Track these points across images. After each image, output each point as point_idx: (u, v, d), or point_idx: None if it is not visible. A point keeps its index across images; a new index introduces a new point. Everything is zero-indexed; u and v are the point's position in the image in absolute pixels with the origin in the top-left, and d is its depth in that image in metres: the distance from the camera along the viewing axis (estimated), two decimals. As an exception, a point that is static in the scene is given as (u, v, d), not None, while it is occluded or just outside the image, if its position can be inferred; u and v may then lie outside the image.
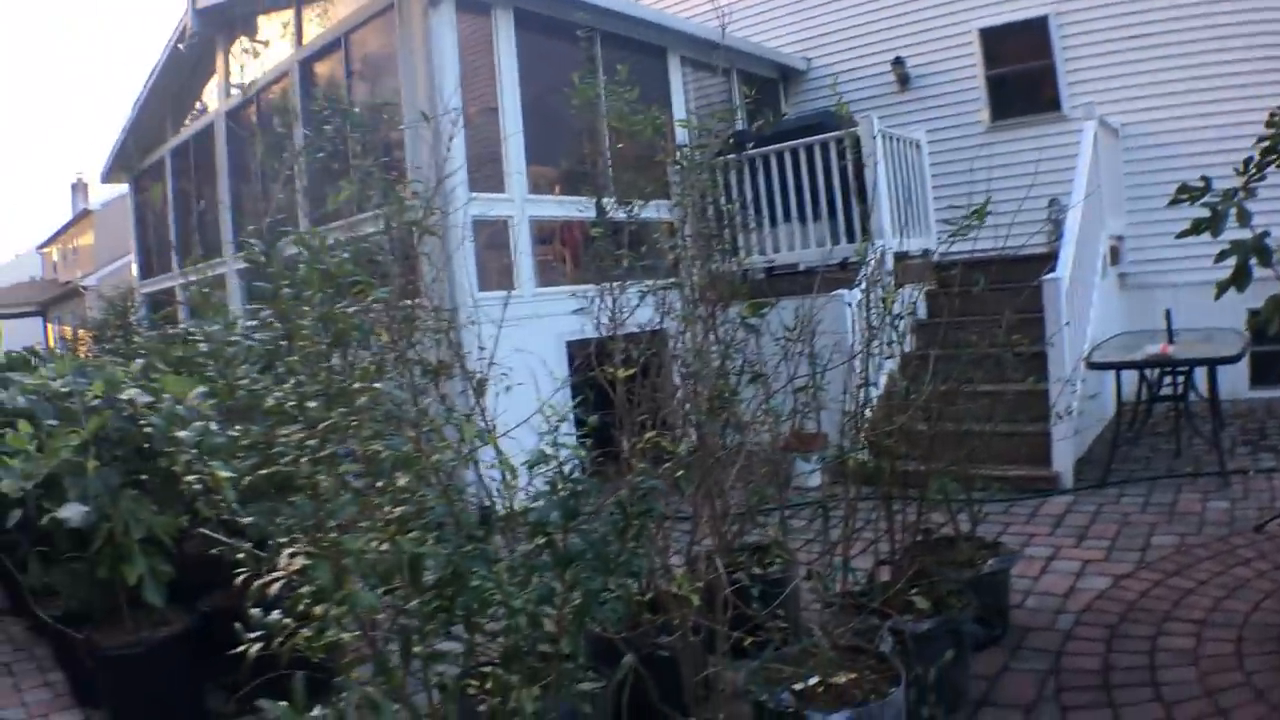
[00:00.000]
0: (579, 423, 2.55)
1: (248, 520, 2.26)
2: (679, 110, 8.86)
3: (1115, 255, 8.63)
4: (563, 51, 7.39)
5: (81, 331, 14.65)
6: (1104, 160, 8.01)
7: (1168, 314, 6.65)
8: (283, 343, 2.12)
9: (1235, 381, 8.11)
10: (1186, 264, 8.07)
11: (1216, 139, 8.05)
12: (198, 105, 11.37)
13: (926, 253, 8.55)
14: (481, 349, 3.53)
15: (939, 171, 8.86)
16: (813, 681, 2.87)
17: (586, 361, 3.84)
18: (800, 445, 3.66)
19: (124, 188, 14.58)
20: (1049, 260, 6.53)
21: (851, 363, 3.66)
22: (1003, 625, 3.95)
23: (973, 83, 9.99)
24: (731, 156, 6.48)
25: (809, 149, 8.14)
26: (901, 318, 3.76)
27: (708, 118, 4.42)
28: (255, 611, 2.10)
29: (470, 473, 3.25)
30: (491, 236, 7.15)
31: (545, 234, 7.75)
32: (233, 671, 3.11)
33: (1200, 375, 6.59)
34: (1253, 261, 3.07)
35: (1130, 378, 6.81)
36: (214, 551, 2.72)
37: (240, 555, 2.24)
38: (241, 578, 2.22)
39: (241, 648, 2.16)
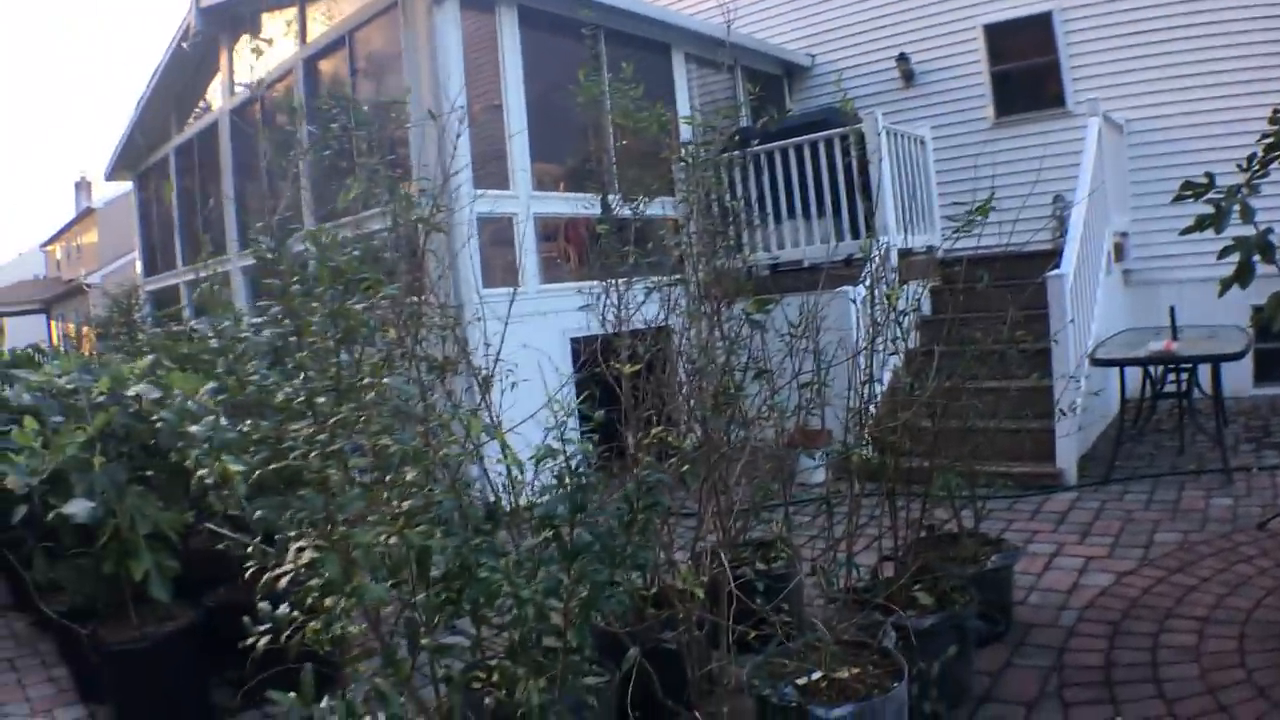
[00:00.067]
0: (584, 418, 2.55)
1: (255, 516, 2.28)
2: (683, 107, 8.86)
3: (1120, 252, 8.63)
4: (567, 48, 7.38)
5: (85, 329, 14.69)
6: (1108, 156, 8.01)
7: (1172, 311, 6.66)
8: (292, 338, 2.13)
9: (1239, 379, 8.11)
10: (1191, 261, 8.06)
11: (1221, 135, 8.04)
12: (201, 103, 11.38)
13: (931, 249, 8.54)
14: (487, 345, 3.54)
15: (943, 168, 8.84)
16: (816, 676, 2.88)
17: (591, 358, 3.85)
18: (804, 441, 3.66)
19: (127, 185, 14.60)
20: (1053, 257, 6.53)
21: (856, 359, 3.66)
22: (1006, 621, 3.96)
23: (977, 79, 9.97)
24: (736, 153, 6.49)
25: (813, 146, 8.14)
26: (906, 314, 3.76)
27: (712, 114, 4.42)
28: (264, 605, 2.11)
29: (476, 468, 3.27)
30: (495, 233, 7.16)
31: (549, 231, 7.75)
32: (238, 667, 3.13)
33: (1204, 372, 6.59)
34: (1256, 258, 3.07)
35: (1134, 374, 6.81)
36: (220, 547, 2.74)
37: (249, 549, 2.25)
38: (250, 571, 2.23)
39: (249, 641, 2.18)
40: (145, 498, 3.73)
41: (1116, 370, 6.74)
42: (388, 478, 2.18)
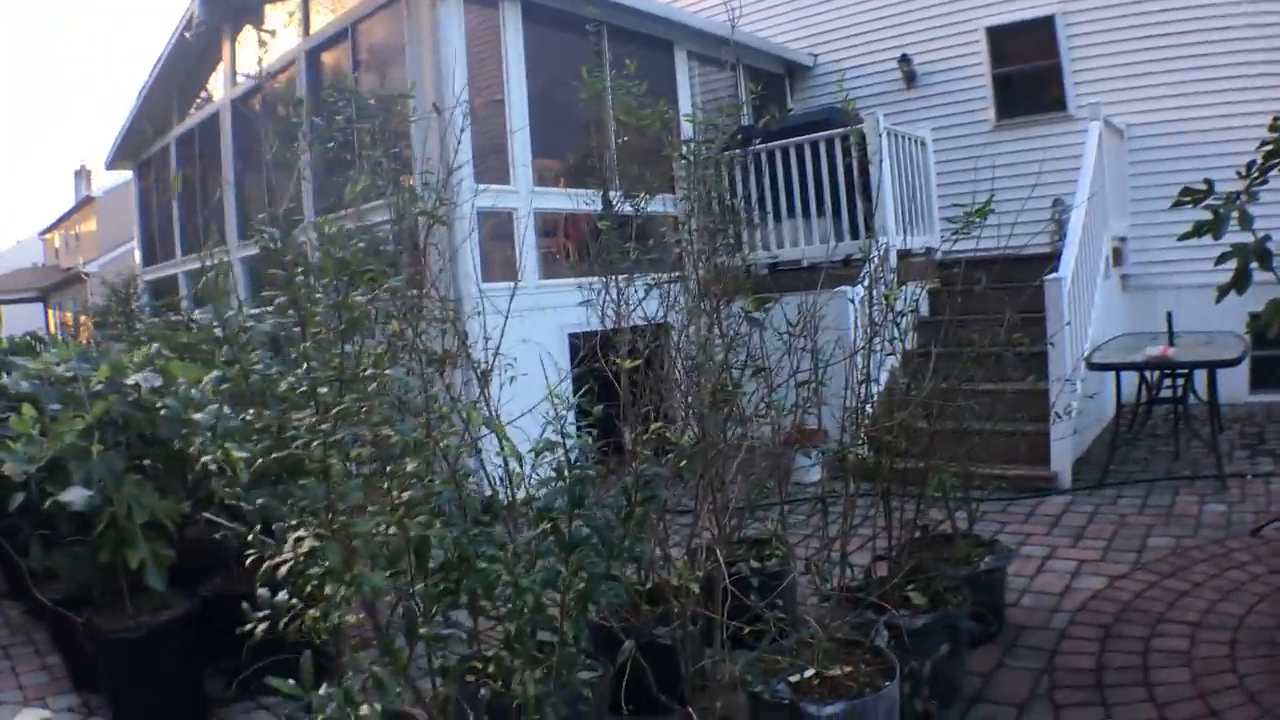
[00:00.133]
0: (583, 413, 2.57)
1: (256, 504, 2.29)
2: (685, 105, 8.86)
3: (1118, 256, 8.65)
4: (569, 44, 7.40)
5: (83, 317, 14.69)
6: (1108, 161, 8.02)
7: (1169, 316, 6.67)
8: (296, 329, 2.14)
9: (1235, 385, 8.12)
10: (1189, 266, 8.08)
11: (1221, 141, 8.06)
12: (203, 93, 11.38)
13: (930, 251, 8.56)
14: (486, 339, 3.55)
15: (944, 170, 8.86)
16: (809, 674, 2.90)
17: (590, 353, 3.86)
18: (801, 440, 3.67)
19: (127, 174, 14.59)
20: (1052, 260, 6.54)
21: (853, 359, 3.67)
22: (998, 623, 3.98)
23: (979, 81, 9.99)
24: (737, 152, 6.50)
25: (814, 145, 8.15)
26: (904, 315, 3.77)
27: (714, 112, 4.43)
28: (263, 592, 2.12)
29: (473, 461, 3.27)
30: (495, 228, 7.16)
31: (549, 226, 7.76)
32: (232, 657, 3.15)
33: (1200, 378, 6.61)
34: (1254, 265, 3.08)
35: (1130, 379, 6.83)
36: (217, 536, 2.75)
37: (250, 538, 2.26)
38: (250, 560, 2.24)
39: (247, 627, 2.19)
40: (142, 486, 3.73)
41: (1112, 375, 6.76)
42: (388, 468, 2.19)
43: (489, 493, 3.18)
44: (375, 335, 2.75)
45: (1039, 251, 6.70)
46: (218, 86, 10.83)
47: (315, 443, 1.98)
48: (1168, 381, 6.68)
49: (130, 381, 4.09)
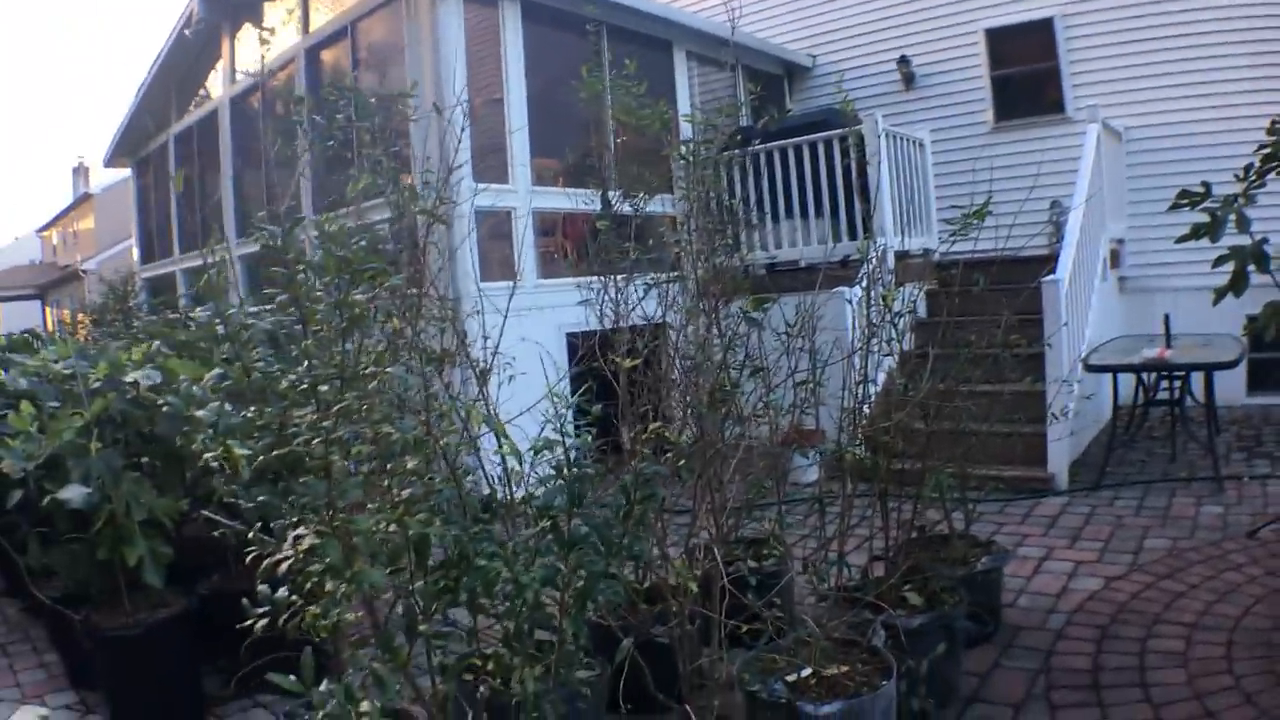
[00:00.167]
0: (581, 412, 2.57)
1: (252, 503, 2.29)
2: (684, 105, 8.87)
3: (1115, 258, 8.66)
4: (568, 44, 7.40)
5: (80, 315, 14.67)
6: (1106, 163, 8.04)
7: (1166, 318, 6.69)
8: (297, 326, 2.14)
9: (1232, 387, 8.14)
10: (1186, 269, 8.09)
11: (1219, 144, 8.07)
12: (202, 91, 11.37)
13: (927, 252, 8.57)
14: (485, 338, 3.55)
15: (942, 171, 8.87)
16: (806, 673, 2.90)
17: (588, 353, 3.87)
18: (798, 440, 3.68)
19: (125, 172, 14.57)
20: (1049, 262, 6.55)
21: (851, 359, 3.68)
22: (994, 623, 3.99)
23: (977, 83, 10.00)
24: (736, 152, 6.51)
25: (813, 146, 8.16)
26: (901, 316, 3.77)
27: (713, 113, 4.43)
28: (263, 589, 2.13)
29: (471, 459, 3.28)
30: (494, 227, 7.17)
31: (547, 226, 7.77)
32: (229, 655, 3.14)
33: (1197, 380, 6.62)
34: (1251, 268, 3.09)
35: (1127, 381, 6.84)
36: (216, 533, 2.75)
37: (250, 535, 2.26)
38: (250, 557, 2.25)
39: (247, 622, 2.19)
40: (140, 484, 3.73)
41: (1110, 376, 6.77)
42: (388, 465, 2.20)
43: (486, 491, 3.18)
44: (374, 334, 2.75)
45: (1037, 253, 6.70)
46: (216, 84, 10.83)
47: (316, 440, 1.98)
48: (1165, 383, 6.69)
49: (129, 379, 4.09)
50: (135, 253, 14.10)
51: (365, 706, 1.84)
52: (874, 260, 3.82)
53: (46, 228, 38.75)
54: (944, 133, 9.50)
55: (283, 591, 2.12)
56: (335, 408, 2.03)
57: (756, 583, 3.27)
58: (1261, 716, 3.10)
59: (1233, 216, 3.12)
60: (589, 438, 2.26)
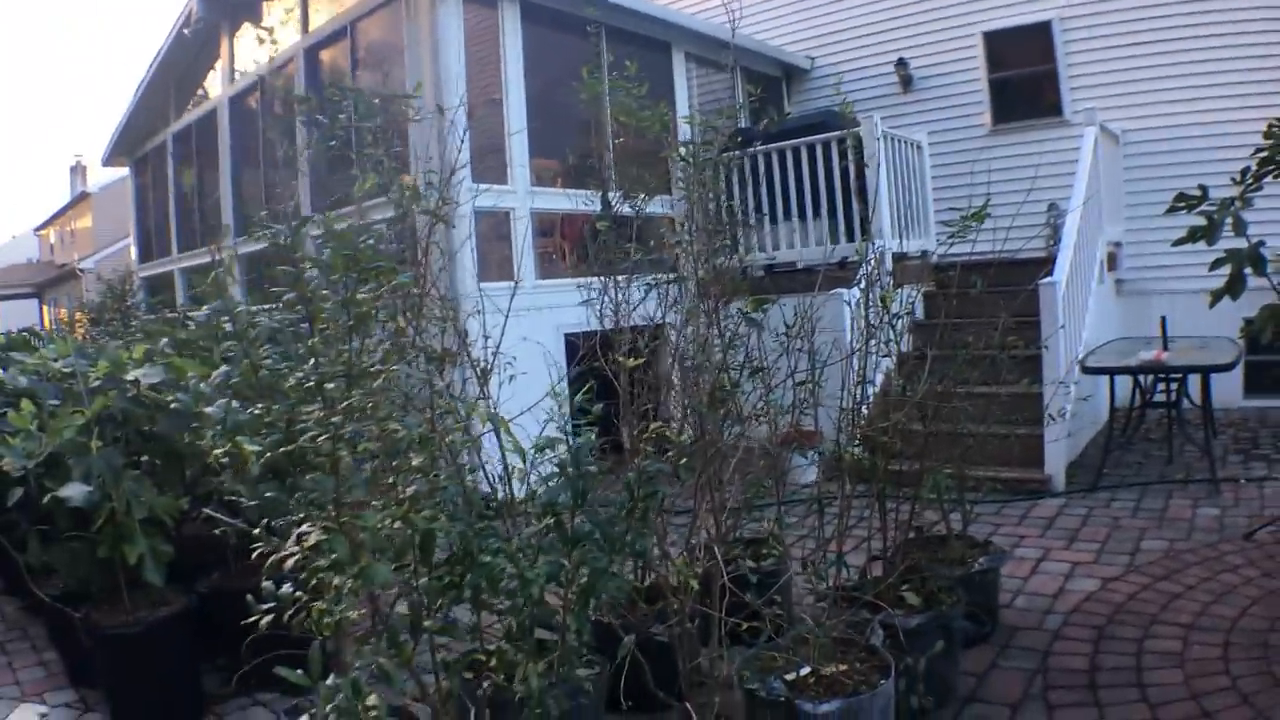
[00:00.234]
0: (583, 412, 2.59)
1: (257, 500, 2.30)
2: (682, 106, 8.89)
3: (1113, 261, 8.68)
4: (567, 45, 7.42)
5: (78, 314, 14.66)
6: (1104, 166, 8.06)
7: (1163, 320, 6.70)
8: (304, 325, 2.16)
9: (1229, 390, 8.16)
10: (1184, 271, 8.11)
11: (1216, 148, 8.09)
12: (200, 90, 11.38)
13: (925, 254, 8.59)
14: (486, 338, 3.56)
15: (940, 173, 8.90)
16: (805, 671, 2.92)
17: (587, 353, 3.88)
18: (797, 440, 3.69)
19: (123, 171, 14.56)
20: (1047, 264, 6.56)
21: (849, 360, 3.69)
22: (992, 623, 4.00)
23: (975, 86, 10.02)
24: (735, 154, 6.52)
25: (811, 148, 8.18)
26: (899, 317, 3.79)
27: (712, 114, 4.45)
28: (267, 585, 2.14)
29: (473, 457, 3.29)
30: (493, 228, 7.18)
31: (546, 226, 7.78)
32: (229, 653, 3.15)
33: (1194, 382, 6.64)
34: (1248, 270, 3.11)
35: (1124, 383, 6.86)
36: (216, 532, 2.76)
37: (255, 532, 2.28)
38: (255, 554, 2.26)
39: (251, 619, 2.20)
40: (141, 482, 3.73)
41: (1107, 378, 6.78)
42: (394, 462, 2.21)
43: (488, 490, 3.20)
44: (377, 333, 2.77)
45: (1034, 255, 6.73)
46: (215, 83, 10.83)
47: (324, 436, 2.00)
48: (1162, 386, 6.71)
49: (129, 377, 4.10)
50: (133, 252, 14.10)
51: (372, 700, 1.85)
52: (872, 262, 3.83)
53: (44, 226, 38.72)
54: (942, 135, 9.53)
55: (287, 587, 2.13)
56: (342, 405, 2.04)
57: (756, 581, 3.29)
58: (1258, 717, 3.11)
59: (1229, 220, 3.14)
60: (592, 436, 2.27)
